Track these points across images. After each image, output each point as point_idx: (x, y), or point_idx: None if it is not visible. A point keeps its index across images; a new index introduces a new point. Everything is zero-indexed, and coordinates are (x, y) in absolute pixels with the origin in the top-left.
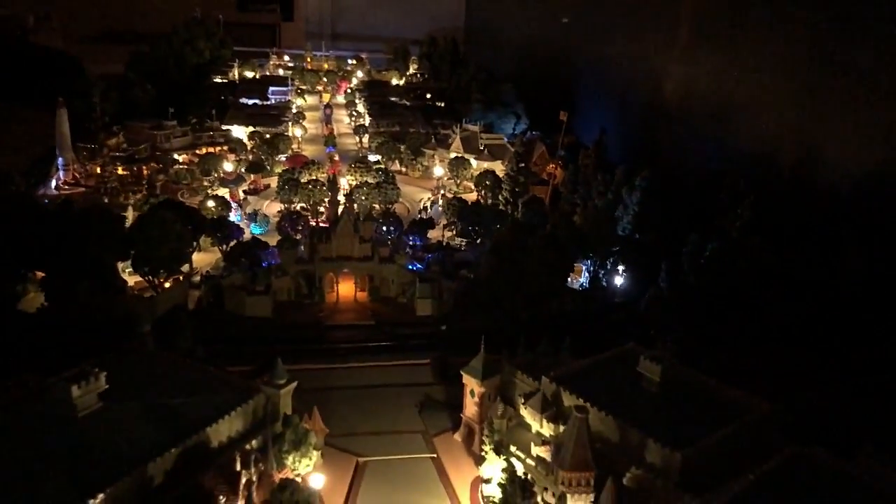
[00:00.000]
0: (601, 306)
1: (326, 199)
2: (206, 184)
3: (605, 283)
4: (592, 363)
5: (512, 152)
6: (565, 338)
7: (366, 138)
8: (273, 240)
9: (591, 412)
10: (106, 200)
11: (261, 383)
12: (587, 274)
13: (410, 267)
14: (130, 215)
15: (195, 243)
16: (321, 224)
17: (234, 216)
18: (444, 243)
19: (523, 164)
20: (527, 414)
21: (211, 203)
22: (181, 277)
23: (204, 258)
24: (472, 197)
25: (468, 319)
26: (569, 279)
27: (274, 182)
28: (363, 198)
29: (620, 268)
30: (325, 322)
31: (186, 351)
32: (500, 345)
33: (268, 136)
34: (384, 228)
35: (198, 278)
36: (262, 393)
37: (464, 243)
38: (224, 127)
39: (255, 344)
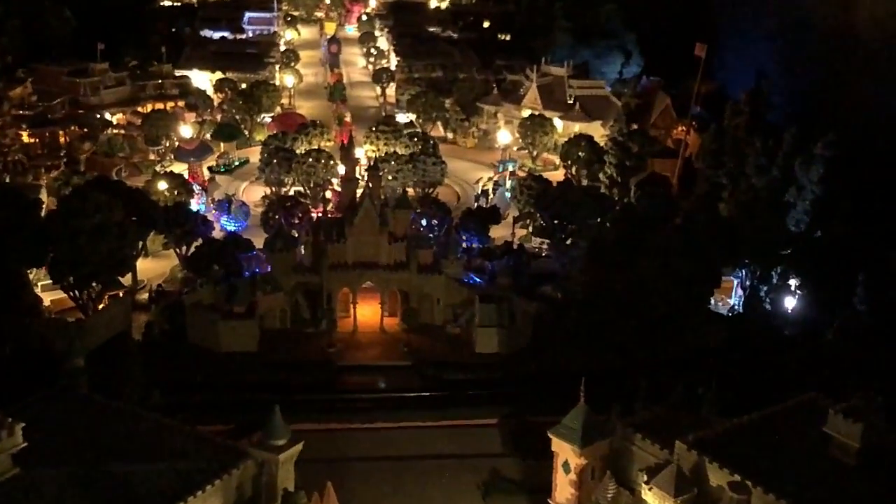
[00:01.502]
0: (764, 340)
1: (336, 179)
2: (153, 157)
3: (769, 306)
4: (754, 422)
5: (619, 108)
6: (710, 385)
7: (391, 89)
8: (258, 239)
9: (754, 494)
10: (7, 179)
11: (249, 445)
12: (741, 292)
13: (466, 280)
14: (46, 201)
15: (140, 243)
16: (329, 215)
17: (196, 204)
18: (516, 245)
19: (637, 126)
20: (652, 498)
21: (162, 185)
22: (121, 294)
23: (152, 266)
24: (556, 176)
25: (556, 359)
26: (712, 300)
27: (255, 154)
28: (390, 177)
29: (793, 282)
30: (338, 361)
31: (136, 398)
32: (607, 395)
33: (244, 85)
34: (424, 222)
35: (145, 296)
36: (251, 459)
37: (546, 245)
38: (179, 72)
39: (233, 392)
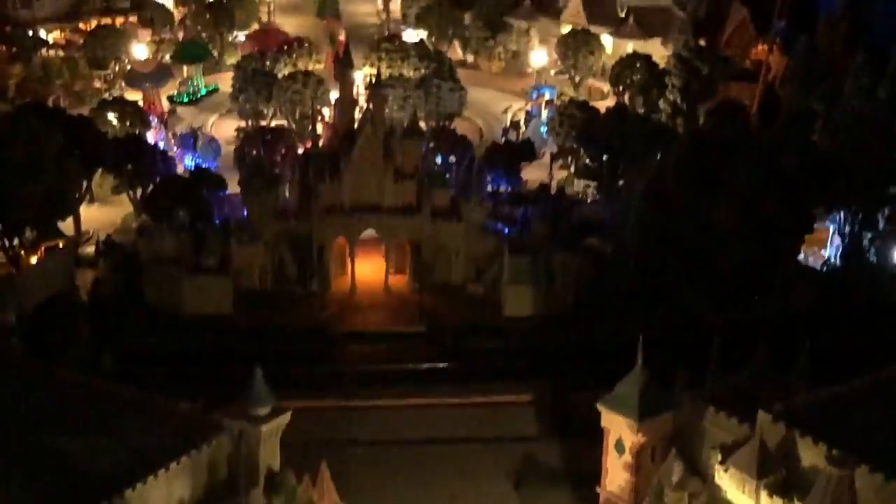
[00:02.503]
0: (867, 300)
1: (328, 110)
2: (98, 84)
3: (872, 258)
4: (855, 391)
5: (683, 20)
6: (801, 349)
7: (396, 1)
8: (232, 180)
9: (857, 473)
10: None
11: (224, 416)
12: (838, 241)
13: (492, 228)
14: None
15: (85, 184)
16: (320, 150)
17: (154, 140)
18: (556, 189)
19: (706, 43)
20: (729, 481)
21: (112, 116)
22: (61, 244)
23: (99, 215)
24: (605, 105)
25: (604, 324)
26: (802, 252)
27: (226, 81)
28: (395, 107)
29: None
30: (334, 327)
31: (83, 362)
32: (669, 362)
33: None
34: (438, 159)
35: (92, 249)
36: (226, 431)
37: (591, 188)
38: None
39: (202, 364)
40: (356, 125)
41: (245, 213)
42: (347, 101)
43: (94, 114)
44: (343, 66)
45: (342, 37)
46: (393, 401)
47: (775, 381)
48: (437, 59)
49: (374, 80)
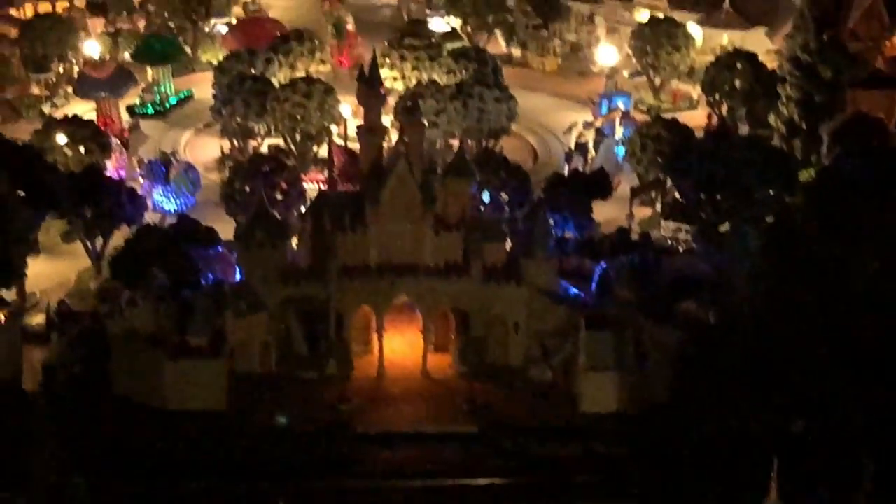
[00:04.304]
0: None
1: (336, 127)
2: (38, 91)
3: None
4: None
5: (800, 6)
6: None
7: None
8: (216, 220)
9: None
10: None
11: None
12: None
13: (562, 293)
14: None
15: (30, 232)
16: (337, 186)
17: (115, 169)
18: (640, 234)
19: (828, 35)
20: None
21: (61, 138)
22: (3, 315)
23: (46, 269)
24: (695, 118)
25: (712, 421)
26: None
27: (203, 85)
28: (425, 122)
29: None
30: (355, 425)
31: (46, 489)
32: (807, 478)
33: None
34: (486, 197)
35: (41, 318)
36: None
37: (685, 233)
38: None
39: (192, 476)
40: (385, 159)
41: (241, 274)
42: (374, 130)
43: (37, 138)
44: (369, 87)
45: (350, 25)
46: None
47: None
48: (478, 57)
49: (409, 103)
